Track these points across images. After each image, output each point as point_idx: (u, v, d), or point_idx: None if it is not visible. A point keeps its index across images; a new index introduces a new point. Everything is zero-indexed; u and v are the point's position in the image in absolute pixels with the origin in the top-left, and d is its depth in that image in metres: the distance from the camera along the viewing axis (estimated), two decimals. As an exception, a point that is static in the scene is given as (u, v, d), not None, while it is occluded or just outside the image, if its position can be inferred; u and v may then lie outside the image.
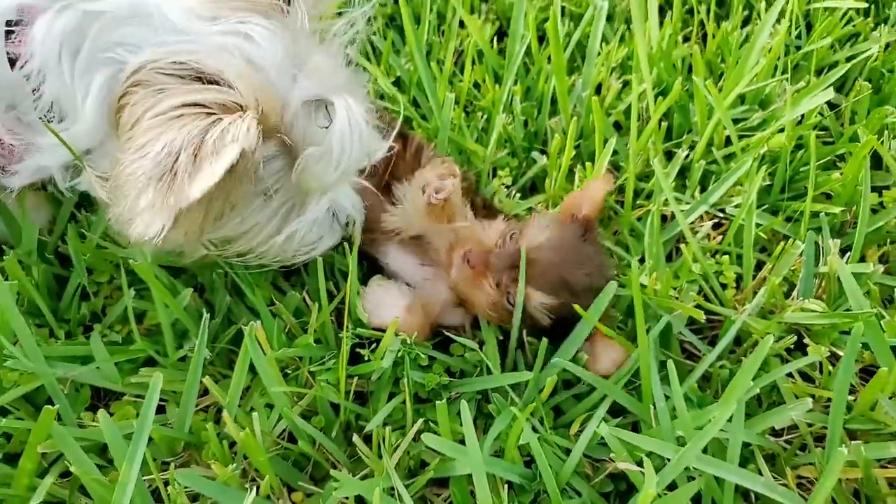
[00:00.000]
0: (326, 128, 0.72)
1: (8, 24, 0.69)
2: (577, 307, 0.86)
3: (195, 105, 0.65)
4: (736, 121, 1.25)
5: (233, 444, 0.84)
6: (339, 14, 0.81)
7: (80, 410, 0.89)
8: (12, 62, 0.70)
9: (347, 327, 0.90)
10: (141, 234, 0.65)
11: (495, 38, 1.39)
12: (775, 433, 0.92)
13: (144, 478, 0.78)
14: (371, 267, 1.01)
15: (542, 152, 1.22)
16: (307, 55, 0.74)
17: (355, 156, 0.76)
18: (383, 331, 0.88)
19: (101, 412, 0.77)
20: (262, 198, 0.77)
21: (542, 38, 1.34)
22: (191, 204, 0.62)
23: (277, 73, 0.71)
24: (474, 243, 0.90)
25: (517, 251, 0.87)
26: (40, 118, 0.71)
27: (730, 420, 0.80)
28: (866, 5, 1.43)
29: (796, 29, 1.41)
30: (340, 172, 0.76)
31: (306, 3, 0.74)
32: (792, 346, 0.96)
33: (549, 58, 1.28)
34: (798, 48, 1.39)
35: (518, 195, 1.14)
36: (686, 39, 1.43)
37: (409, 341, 0.87)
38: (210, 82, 0.67)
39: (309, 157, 0.73)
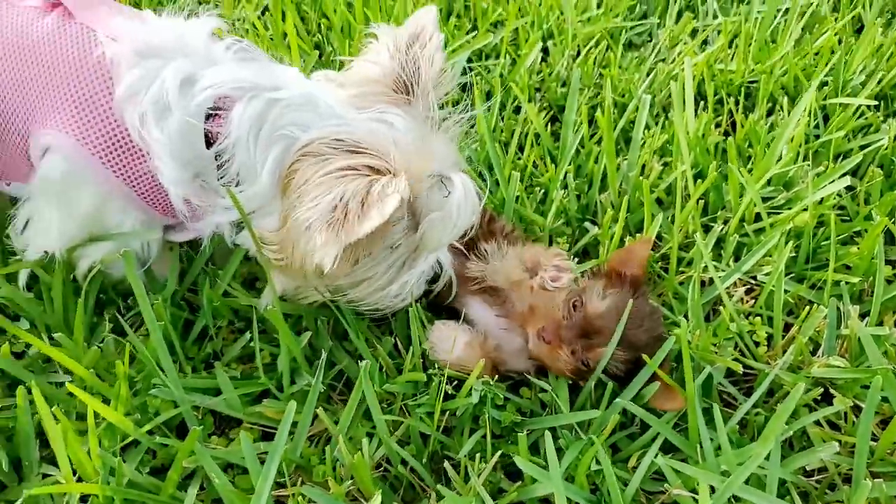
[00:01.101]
0: (446, 197, 0.90)
1: (210, 109, 0.89)
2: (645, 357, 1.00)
3: (355, 168, 0.84)
4: (764, 199, 1.39)
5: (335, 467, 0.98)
6: (454, 104, 1.01)
7: (205, 434, 1.04)
8: (209, 142, 0.89)
9: (436, 367, 1.05)
10: (320, 265, 0.81)
11: (549, 123, 1.58)
12: (807, 474, 1.03)
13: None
14: (451, 317, 1.15)
15: (593, 223, 1.37)
16: (430, 139, 0.94)
17: (467, 220, 0.93)
18: (467, 374, 1.03)
19: (243, 434, 0.91)
20: (389, 250, 0.94)
21: (589, 122, 1.52)
22: (359, 239, 0.78)
23: (410, 151, 0.89)
24: (545, 317, 1.04)
25: (584, 320, 1.02)
26: (224, 185, 0.90)
27: (767, 458, 0.92)
28: (876, 102, 1.61)
29: (815, 121, 1.58)
30: (454, 234, 0.94)
31: (432, 96, 0.94)
32: (819, 398, 1.08)
33: (598, 141, 1.46)
34: (817, 137, 1.55)
35: (575, 259, 1.30)
36: (717, 126, 1.61)
37: (490, 383, 1.02)
38: (365, 154, 0.86)
39: (432, 220, 0.91)
